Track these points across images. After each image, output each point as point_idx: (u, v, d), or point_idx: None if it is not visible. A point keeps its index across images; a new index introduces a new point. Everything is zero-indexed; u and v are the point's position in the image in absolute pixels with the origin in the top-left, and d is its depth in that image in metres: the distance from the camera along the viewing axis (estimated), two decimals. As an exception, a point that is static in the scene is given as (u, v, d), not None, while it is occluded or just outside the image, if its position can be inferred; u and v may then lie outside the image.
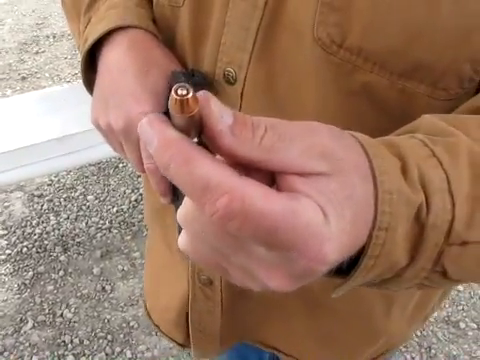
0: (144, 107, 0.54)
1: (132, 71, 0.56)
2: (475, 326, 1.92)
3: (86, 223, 2.25)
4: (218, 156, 0.29)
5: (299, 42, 0.47)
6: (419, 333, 1.89)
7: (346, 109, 0.48)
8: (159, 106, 0.54)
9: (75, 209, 2.32)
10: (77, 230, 2.22)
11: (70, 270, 2.05)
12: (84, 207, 2.34)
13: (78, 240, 2.17)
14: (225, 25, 0.51)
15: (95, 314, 1.91)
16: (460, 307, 1.98)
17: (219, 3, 0.51)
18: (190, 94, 0.26)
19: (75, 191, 2.42)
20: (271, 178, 0.29)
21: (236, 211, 0.26)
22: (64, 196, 2.39)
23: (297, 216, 0.27)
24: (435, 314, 1.95)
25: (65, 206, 2.34)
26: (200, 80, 0.55)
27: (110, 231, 2.22)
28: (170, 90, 0.60)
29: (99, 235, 2.20)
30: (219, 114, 0.28)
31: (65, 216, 2.28)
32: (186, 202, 0.31)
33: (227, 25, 0.51)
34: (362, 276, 0.33)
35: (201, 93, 0.28)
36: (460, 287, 2.05)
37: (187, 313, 0.77)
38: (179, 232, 0.63)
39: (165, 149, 0.27)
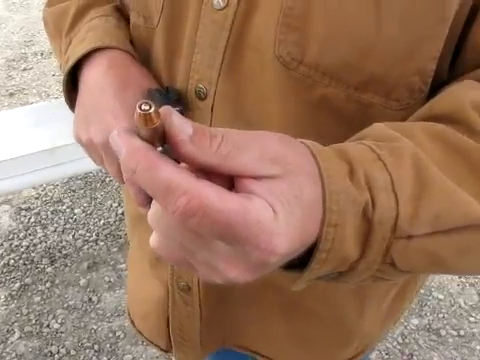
0: (122, 123, 0.57)
1: (111, 89, 0.59)
2: (455, 333, 1.96)
3: (73, 236, 2.27)
4: (182, 163, 0.33)
5: (262, 60, 0.51)
6: (401, 340, 1.93)
7: (308, 120, 0.52)
8: None
9: (62, 222, 2.34)
10: (64, 242, 2.23)
11: (57, 282, 2.07)
12: (71, 220, 2.35)
13: (65, 252, 2.19)
14: (196, 45, 0.55)
15: (82, 325, 1.92)
16: (441, 315, 2.02)
17: (190, 25, 0.55)
18: (152, 109, 0.30)
19: (62, 204, 2.44)
20: (231, 182, 0.33)
21: (194, 209, 0.30)
22: (51, 209, 2.41)
23: (249, 213, 0.31)
24: (417, 322, 1.99)
25: (52, 219, 2.36)
26: (174, 96, 0.58)
27: (97, 243, 2.24)
28: None
29: (86, 247, 2.21)
30: (180, 126, 0.31)
31: (52, 229, 2.30)
32: (153, 205, 0.35)
33: (197, 45, 0.55)
34: (317, 269, 0.37)
35: (163, 108, 0.32)
36: (441, 295, 2.09)
37: (168, 319, 0.79)
38: None
39: (131, 156, 0.31)
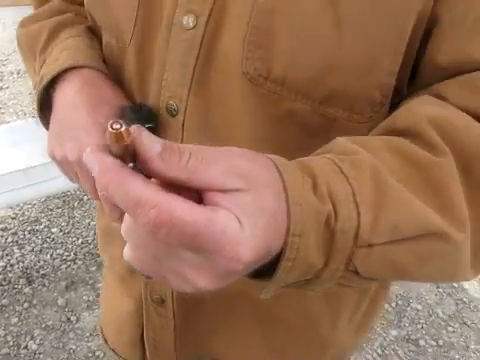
0: (96, 140, 0.58)
1: (84, 107, 0.61)
2: (434, 343, 1.98)
3: (51, 255, 2.25)
4: (153, 179, 0.35)
5: (230, 76, 0.53)
6: (381, 351, 1.94)
7: (275, 134, 0.54)
8: None
9: (40, 242, 2.32)
10: (42, 262, 2.21)
11: (34, 302, 2.04)
12: (49, 239, 2.33)
13: (43, 272, 2.16)
14: (166, 63, 0.56)
15: (60, 345, 1.90)
16: (419, 325, 2.04)
17: (160, 44, 0.57)
18: (122, 128, 0.32)
19: (40, 224, 2.42)
20: (199, 197, 0.35)
21: (164, 221, 0.32)
22: (28, 229, 2.38)
23: (215, 224, 0.33)
24: (396, 333, 2.01)
25: (29, 239, 2.33)
26: (147, 113, 0.60)
27: (75, 262, 2.22)
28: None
29: (64, 267, 2.20)
30: (149, 144, 0.33)
31: (29, 249, 2.28)
32: (126, 218, 0.37)
33: (168, 63, 0.56)
34: (283, 277, 0.38)
35: (134, 127, 0.34)
36: (419, 306, 2.11)
37: (141, 333, 0.80)
38: None
39: (104, 173, 0.33)
